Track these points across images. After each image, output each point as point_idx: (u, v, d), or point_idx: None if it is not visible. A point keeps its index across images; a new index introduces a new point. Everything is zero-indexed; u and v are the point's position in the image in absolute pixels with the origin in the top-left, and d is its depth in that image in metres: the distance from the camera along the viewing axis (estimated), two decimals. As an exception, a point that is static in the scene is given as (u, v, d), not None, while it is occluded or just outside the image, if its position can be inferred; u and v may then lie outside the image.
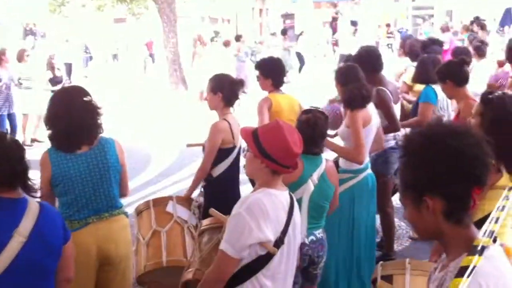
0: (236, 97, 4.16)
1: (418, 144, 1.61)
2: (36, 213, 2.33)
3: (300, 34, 21.50)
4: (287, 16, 34.58)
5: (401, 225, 5.70)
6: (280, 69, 4.93)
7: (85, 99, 3.18)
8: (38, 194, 2.45)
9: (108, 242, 3.19)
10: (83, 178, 3.13)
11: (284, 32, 20.46)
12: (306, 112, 3.57)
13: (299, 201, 3.18)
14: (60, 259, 2.44)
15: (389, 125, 4.76)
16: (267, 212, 2.34)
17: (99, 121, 3.22)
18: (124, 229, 3.33)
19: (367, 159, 4.18)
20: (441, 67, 4.67)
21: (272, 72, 4.88)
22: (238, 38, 17.99)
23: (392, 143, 4.88)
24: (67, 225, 3.08)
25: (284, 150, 2.40)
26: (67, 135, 3.11)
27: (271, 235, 2.36)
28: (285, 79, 5.16)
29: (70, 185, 3.11)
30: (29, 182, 2.38)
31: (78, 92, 3.22)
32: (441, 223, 1.60)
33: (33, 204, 2.36)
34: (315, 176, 3.37)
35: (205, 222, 2.94)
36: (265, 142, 2.41)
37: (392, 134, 4.87)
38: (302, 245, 3.24)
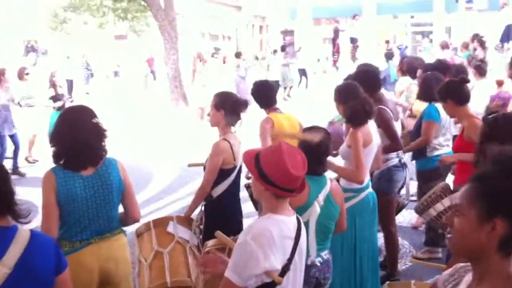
0: (238, 117, 4.17)
1: None
2: (25, 242, 2.17)
3: (298, 50, 21.65)
4: (287, 32, 34.80)
5: (404, 244, 5.67)
6: (263, 92, 5.10)
7: (93, 120, 3.19)
8: (27, 220, 2.27)
9: (109, 261, 3.18)
10: (88, 200, 3.13)
11: (283, 48, 20.60)
12: (308, 129, 3.51)
13: (306, 224, 3.11)
14: None
15: (391, 144, 4.75)
16: (273, 240, 2.30)
17: (103, 143, 3.23)
18: (124, 247, 3.32)
19: (367, 178, 4.17)
20: (442, 86, 4.68)
21: (256, 97, 5.11)
22: (238, 55, 18.08)
23: (395, 161, 4.86)
24: (68, 246, 3.08)
25: (282, 173, 2.34)
26: (73, 153, 3.10)
27: (278, 264, 2.31)
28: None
29: (75, 206, 3.10)
30: (17, 208, 2.22)
31: (87, 113, 3.23)
32: (491, 247, 1.52)
33: (23, 233, 2.20)
34: (321, 197, 3.30)
35: (210, 243, 2.92)
36: (264, 166, 2.37)
37: (395, 152, 4.86)
38: (311, 267, 3.19)
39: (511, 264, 1.53)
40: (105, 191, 3.17)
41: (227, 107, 4.09)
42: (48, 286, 2.25)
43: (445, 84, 4.72)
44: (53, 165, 3.17)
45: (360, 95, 4.31)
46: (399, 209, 5.16)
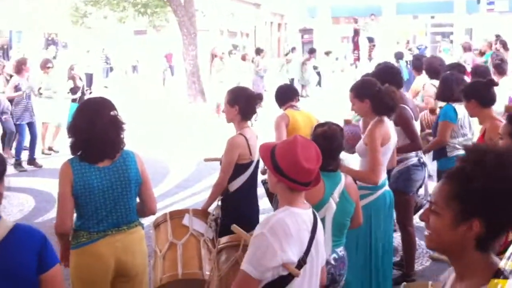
0: (253, 111, 4.14)
1: (496, 168, 1.44)
2: (3, 235, 2.00)
3: (327, 53, 21.56)
4: (306, 31, 34.61)
5: (421, 244, 5.60)
6: (281, 94, 5.36)
7: (111, 113, 3.17)
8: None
9: (126, 253, 3.18)
10: (105, 191, 3.12)
11: (311, 51, 20.45)
12: (321, 125, 3.47)
13: (322, 221, 3.08)
14: None
15: (410, 144, 4.70)
16: (290, 233, 2.30)
17: (122, 136, 3.21)
18: (141, 240, 3.32)
19: (384, 176, 4.12)
20: (468, 85, 4.65)
21: (275, 99, 5.35)
22: (258, 51, 18.00)
23: (414, 160, 4.81)
24: (85, 237, 3.10)
25: (293, 165, 2.34)
26: (90, 145, 3.10)
27: (294, 257, 2.31)
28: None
29: (92, 198, 3.10)
30: None
31: (105, 105, 3.21)
32: (468, 246, 1.49)
33: (4, 225, 2.03)
34: (336, 194, 3.28)
35: (223, 240, 2.91)
36: (278, 157, 2.38)
37: (414, 152, 4.81)
38: (326, 263, 3.18)
39: (489, 254, 1.50)
40: (122, 183, 3.15)
41: (241, 103, 4.06)
42: (28, 285, 2.05)
43: (471, 84, 4.70)
44: (71, 156, 3.17)
45: (375, 92, 4.25)
46: (417, 209, 5.10)
